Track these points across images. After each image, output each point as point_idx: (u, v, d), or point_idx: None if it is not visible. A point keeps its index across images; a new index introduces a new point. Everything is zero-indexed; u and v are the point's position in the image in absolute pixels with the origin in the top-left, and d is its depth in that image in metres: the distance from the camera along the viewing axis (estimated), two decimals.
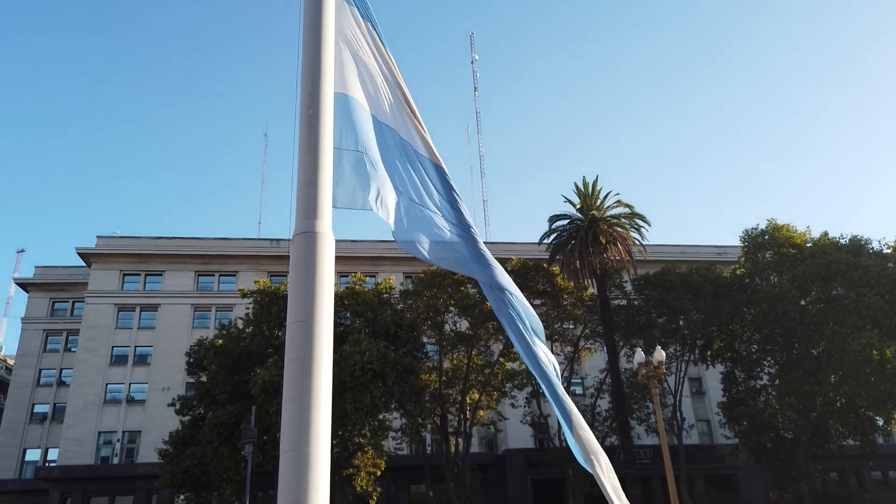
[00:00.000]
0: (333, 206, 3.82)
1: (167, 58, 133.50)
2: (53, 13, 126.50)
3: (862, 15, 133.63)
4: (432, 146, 4.64)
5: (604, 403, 42.45)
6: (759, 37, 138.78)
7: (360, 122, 4.51)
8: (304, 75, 3.93)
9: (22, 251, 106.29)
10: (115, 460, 47.37)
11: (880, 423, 37.72)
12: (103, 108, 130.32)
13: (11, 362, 60.11)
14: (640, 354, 24.07)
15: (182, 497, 41.40)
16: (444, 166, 4.62)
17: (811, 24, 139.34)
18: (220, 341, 35.32)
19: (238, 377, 34.25)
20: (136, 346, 51.00)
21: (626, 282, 42.31)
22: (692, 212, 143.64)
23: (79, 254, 52.41)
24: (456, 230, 4.50)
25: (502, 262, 41.01)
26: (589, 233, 39.45)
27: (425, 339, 38.87)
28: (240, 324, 37.25)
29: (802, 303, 38.37)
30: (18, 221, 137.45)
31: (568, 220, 41.66)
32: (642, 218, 41.37)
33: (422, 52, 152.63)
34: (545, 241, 41.96)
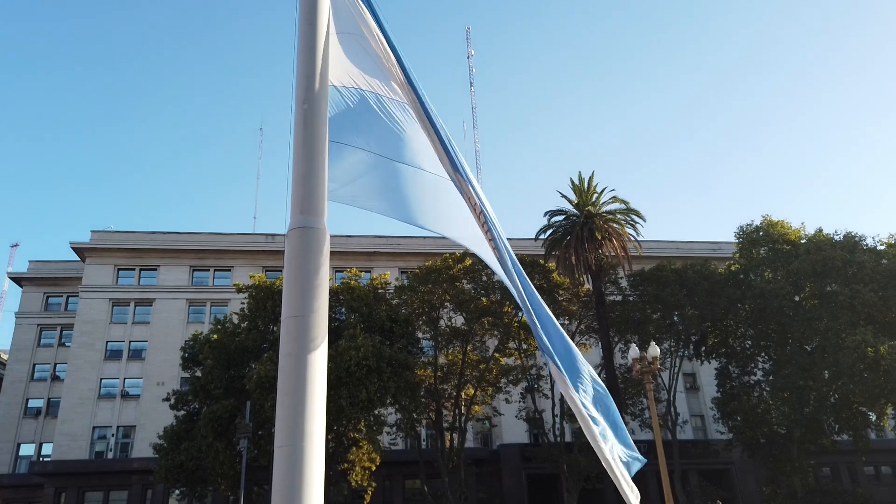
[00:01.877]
0: (330, 200, 3.81)
1: (162, 52, 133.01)
2: (46, 2, 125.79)
3: (857, 10, 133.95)
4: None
5: None
6: (752, 33, 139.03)
7: (363, 114, 4.47)
8: (300, 69, 3.91)
9: (16, 245, 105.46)
10: (110, 455, 47.33)
11: (873, 418, 37.92)
12: (97, 103, 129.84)
13: (5, 357, 59.90)
14: (634, 350, 24.14)
15: (177, 492, 41.43)
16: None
17: (805, 19, 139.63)
18: (216, 336, 35.28)
19: (233, 372, 34.23)
20: (130, 341, 50.90)
21: (621, 278, 42.39)
22: (687, 207, 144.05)
23: (73, 248, 52.24)
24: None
25: None
26: (584, 228, 39.49)
27: (420, 335, 38.90)
28: (235, 319, 37.21)
29: (797, 299, 38.50)
30: (12, 216, 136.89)
31: (564, 216, 41.69)
32: (637, 214, 41.44)
33: (418, 48, 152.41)
34: (541, 236, 42.00)
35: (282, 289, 3.56)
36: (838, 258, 36.30)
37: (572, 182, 41.80)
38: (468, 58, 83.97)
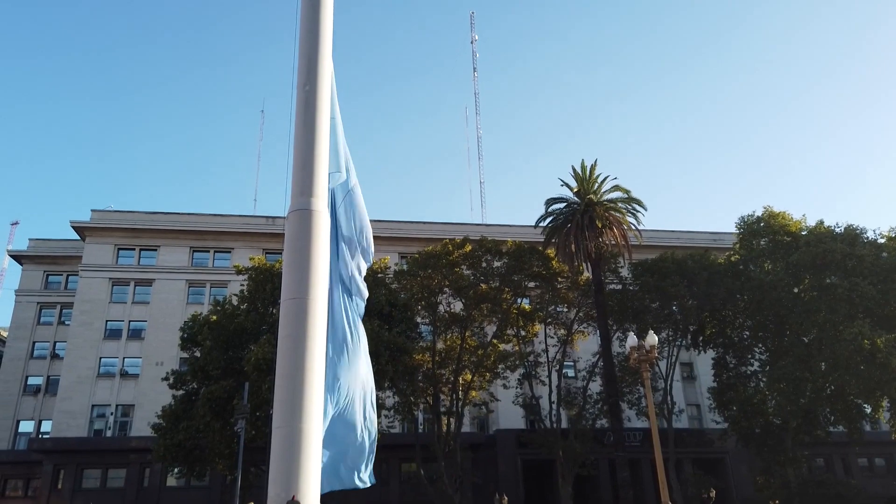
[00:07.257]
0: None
1: (165, 33, 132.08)
2: None
3: (859, 4, 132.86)
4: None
5: (595, 386, 42.71)
6: (756, 25, 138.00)
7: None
8: (302, 53, 3.90)
9: (16, 223, 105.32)
10: (109, 433, 47.57)
11: (868, 410, 38.02)
12: (100, 83, 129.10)
13: (5, 334, 60.04)
14: (632, 338, 24.13)
15: (175, 470, 41.65)
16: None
17: (809, 13, 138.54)
18: (215, 317, 35.36)
19: (232, 353, 34.33)
20: (130, 321, 51.02)
21: (621, 267, 42.31)
22: (688, 198, 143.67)
23: (73, 227, 52.19)
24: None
25: (498, 244, 40.86)
26: (585, 216, 39.35)
27: (419, 320, 38.94)
28: (234, 300, 37.27)
29: (795, 290, 38.45)
30: (13, 194, 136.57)
31: (565, 204, 41.53)
32: (639, 203, 41.27)
33: (421, 33, 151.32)
34: (541, 223, 41.86)
35: (281, 271, 3.58)
36: (838, 251, 36.23)
37: (574, 170, 41.61)
38: (472, 43, 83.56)
